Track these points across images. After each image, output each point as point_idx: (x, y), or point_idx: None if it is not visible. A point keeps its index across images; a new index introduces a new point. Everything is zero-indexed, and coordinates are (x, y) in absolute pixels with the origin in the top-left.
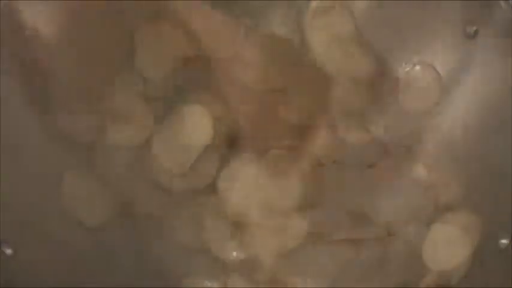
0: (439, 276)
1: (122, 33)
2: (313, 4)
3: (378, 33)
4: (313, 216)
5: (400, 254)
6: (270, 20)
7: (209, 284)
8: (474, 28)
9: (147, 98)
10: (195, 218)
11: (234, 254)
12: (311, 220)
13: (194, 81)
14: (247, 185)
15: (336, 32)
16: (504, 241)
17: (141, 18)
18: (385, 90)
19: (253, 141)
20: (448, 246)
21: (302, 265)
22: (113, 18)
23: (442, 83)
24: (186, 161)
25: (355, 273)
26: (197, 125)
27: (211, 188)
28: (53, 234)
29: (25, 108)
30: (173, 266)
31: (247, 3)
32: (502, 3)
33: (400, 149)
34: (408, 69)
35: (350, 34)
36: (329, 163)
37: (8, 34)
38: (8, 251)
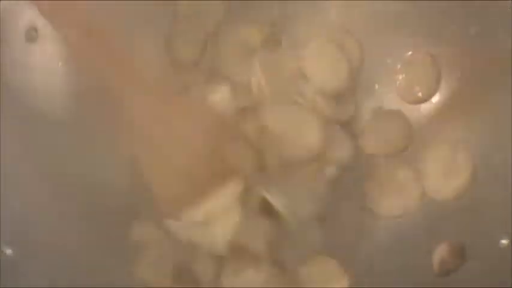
0: (451, 247)
1: None
2: None
3: (378, 32)
4: None
5: None
6: None
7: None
8: (474, 28)
9: None
10: None
11: None
12: None
13: None
14: None
15: None
16: (504, 241)
17: None
18: None
19: None
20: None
21: None
22: None
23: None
24: None
25: None
26: None
27: None
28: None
29: None
30: None
31: None
32: (503, 3)
33: None
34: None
35: None
36: None
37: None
38: (8, 252)
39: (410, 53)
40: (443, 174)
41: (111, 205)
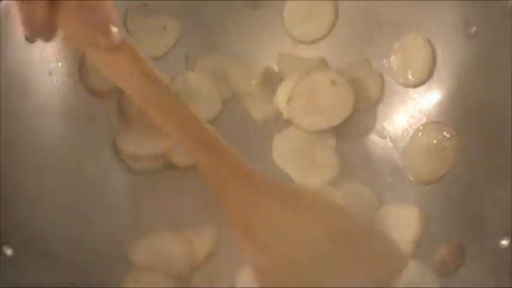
0: (453, 248)
1: None
2: None
3: (378, 33)
4: None
5: None
6: None
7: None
8: (474, 28)
9: None
10: None
11: None
12: None
13: None
14: None
15: None
16: (504, 241)
17: None
18: None
19: None
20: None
21: None
22: None
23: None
24: None
25: None
26: None
27: None
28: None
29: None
30: None
31: None
32: (502, 3)
33: None
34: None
35: None
36: None
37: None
38: (8, 252)
39: (407, 35)
40: (428, 157)
41: (112, 205)
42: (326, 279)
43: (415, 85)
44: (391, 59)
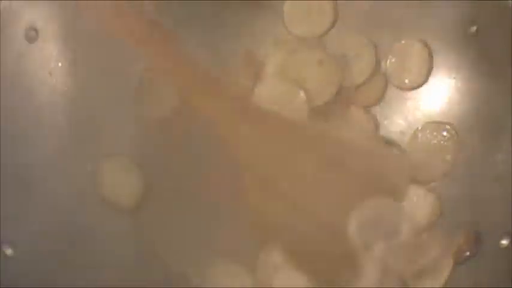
0: (469, 237)
1: None
2: None
3: (377, 33)
4: None
5: None
6: None
7: None
8: (474, 28)
9: None
10: None
11: None
12: None
13: None
14: None
15: None
16: (504, 241)
17: None
18: None
19: None
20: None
21: None
22: None
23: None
24: None
25: None
26: None
27: None
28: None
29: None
30: None
31: None
32: (502, 3)
33: None
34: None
35: None
36: None
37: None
38: (8, 251)
39: (406, 37)
40: (427, 157)
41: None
42: (316, 205)
43: (412, 88)
44: (390, 60)
